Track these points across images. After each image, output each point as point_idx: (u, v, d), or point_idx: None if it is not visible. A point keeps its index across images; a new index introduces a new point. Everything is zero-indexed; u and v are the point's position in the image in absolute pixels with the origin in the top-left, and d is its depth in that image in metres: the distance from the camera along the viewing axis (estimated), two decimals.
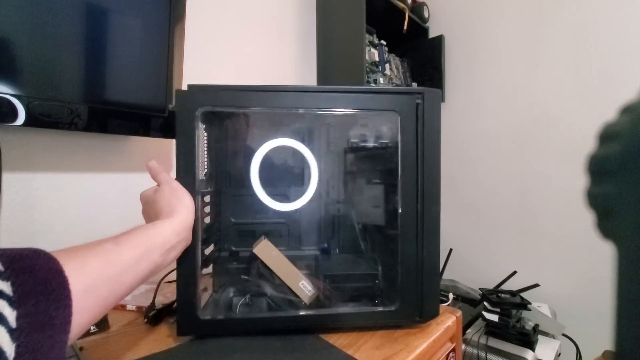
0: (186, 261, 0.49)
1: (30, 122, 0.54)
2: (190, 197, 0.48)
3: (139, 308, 0.62)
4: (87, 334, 0.53)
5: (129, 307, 0.63)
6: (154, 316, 0.57)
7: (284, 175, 0.71)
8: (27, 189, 0.64)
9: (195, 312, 0.51)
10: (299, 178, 0.71)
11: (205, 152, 0.64)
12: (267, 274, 0.57)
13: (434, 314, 0.58)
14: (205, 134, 0.64)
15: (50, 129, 0.58)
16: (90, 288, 0.31)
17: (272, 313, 0.57)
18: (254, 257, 0.59)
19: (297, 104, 0.60)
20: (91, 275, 0.31)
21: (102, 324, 0.55)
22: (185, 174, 0.50)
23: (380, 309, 0.57)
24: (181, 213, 0.45)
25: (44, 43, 0.55)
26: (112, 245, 0.36)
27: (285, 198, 0.70)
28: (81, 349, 0.47)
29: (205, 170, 0.64)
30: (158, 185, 0.50)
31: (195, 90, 0.53)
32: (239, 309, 0.56)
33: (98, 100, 0.63)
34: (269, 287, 0.56)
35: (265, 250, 0.59)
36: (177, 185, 0.49)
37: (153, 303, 0.59)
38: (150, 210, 0.48)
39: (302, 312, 0.57)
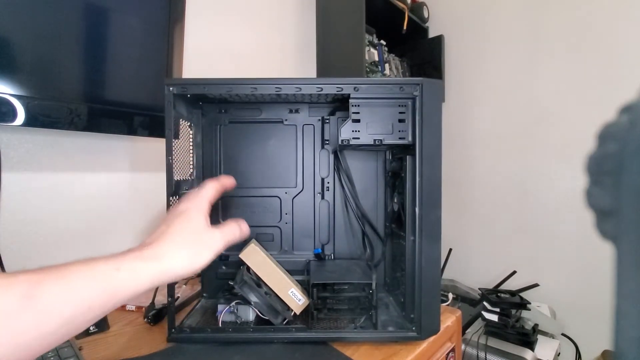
0: None
1: (29, 122, 0.54)
2: (217, 233, 0.35)
3: (138, 308, 0.62)
4: (87, 333, 0.53)
5: (128, 307, 0.63)
6: (154, 316, 0.57)
7: (277, 174, 0.66)
8: (27, 189, 0.64)
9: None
10: (292, 178, 0.67)
11: (191, 150, 0.60)
12: (250, 281, 0.51)
13: (433, 330, 0.51)
14: (191, 132, 0.60)
15: (49, 128, 0.58)
16: None
17: (254, 325, 0.52)
18: (243, 262, 0.54)
19: (291, 97, 0.57)
20: None
21: (102, 324, 0.55)
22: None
23: (375, 322, 0.51)
24: (180, 254, 0.31)
25: (44, 42, 0.55)
26: (26, 288, 0.21)
27: (278, 198, 0.67)
28: (80, 348, 0.47)
29: (191, 170, 0.60)
30: None
31: (174, 84, 0.49)
32: (223, 318, 0.52)
33: (98, 99, 0.63)
34: (254, 296, 0.51)
35: (253, 255, 0.54)
36: (199, 201, 0.36)
37: (153, 303, 0.60)
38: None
39: (288, 324, 0.52)
